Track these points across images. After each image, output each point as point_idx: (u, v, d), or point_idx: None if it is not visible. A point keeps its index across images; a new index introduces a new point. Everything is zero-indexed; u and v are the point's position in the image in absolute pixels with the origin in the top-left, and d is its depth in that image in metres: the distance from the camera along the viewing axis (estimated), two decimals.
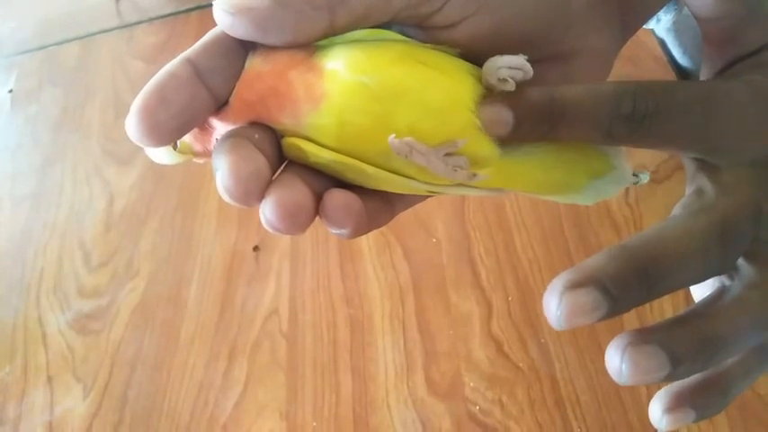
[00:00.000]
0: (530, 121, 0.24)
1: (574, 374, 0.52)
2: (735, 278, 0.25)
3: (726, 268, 0.24)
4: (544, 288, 0.57)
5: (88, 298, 0.70)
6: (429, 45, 0.26)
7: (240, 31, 0.23)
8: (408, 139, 0.23)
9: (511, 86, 0.24)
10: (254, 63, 0.24)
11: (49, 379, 0.65)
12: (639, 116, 0.23)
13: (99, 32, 1.02)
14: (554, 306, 0.22)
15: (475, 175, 0.24)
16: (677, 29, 0.52)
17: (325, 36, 0.24)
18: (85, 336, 0.67)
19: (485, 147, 0.24)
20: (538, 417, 0.51)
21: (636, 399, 0.50)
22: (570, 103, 0.23)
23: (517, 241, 0.61)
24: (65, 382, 0.64)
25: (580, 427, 0.50)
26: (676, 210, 0.26)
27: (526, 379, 0.53)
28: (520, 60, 0.24)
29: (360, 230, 0.24)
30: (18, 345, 0.68)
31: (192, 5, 0.97)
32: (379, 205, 0.26)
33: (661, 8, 0.34)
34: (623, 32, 0.30)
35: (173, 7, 1.00)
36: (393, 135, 0.23)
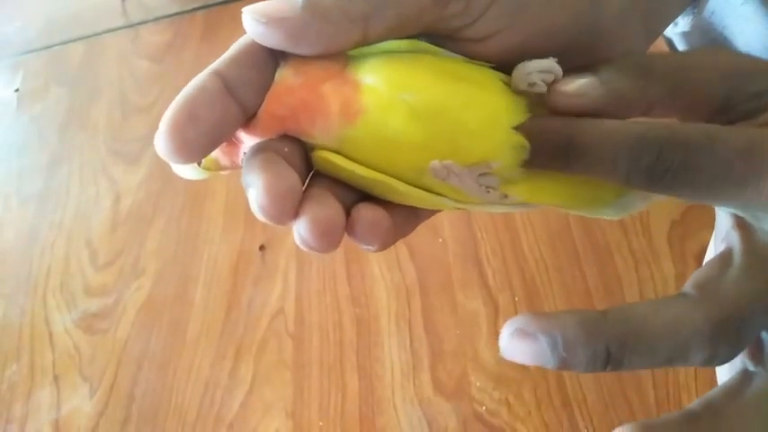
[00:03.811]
0: (545, 155, 0.23)
1: (580, 375, 0.52)
2: (761, 364, 0.24)
3: (719, 362, 0.22)
4: (551, 288, 0.57)
5: (94, 297, 0.70)
6: (461, 57, 0.25)
7: (271, 41, 0.22)
8: (448, 162, 0.23)
9: (542, 89, 0.24)
10: (285, 75, 0.23)
11: (56, 378, 0.65)
12: (662, 170, 0.21)
13: (105, 32, 1.02)
14: (504, 338, 0.22)
15: (506, 196, 0.24)
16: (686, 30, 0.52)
17: (356, 47, 0.23)
18: (92, 335, 0.67)
19: (516, 168, 0.24)
20: (545, 417, 0.51)
21: (643, 399, 0.50)
22: (588, 143, 0.22)
23: (524, 241, 0.60)
24: (71, 381, 0.64)
25: (587, 428, 0.49)
26: (690, 283, 0.23)
27: (533, 379, 0.53)
28: (549, 63, 0.23)
29: (387, 245, 0.24)
30: (25, 344, 0.69)
31: (197, 5, 0.97)
32: (406, 217, 0.26)
33: (680, 14, 0.33)
34: (646, 40, 0.29)
35: (178, 6, 1.00)
36: (436, 159, 0.23)
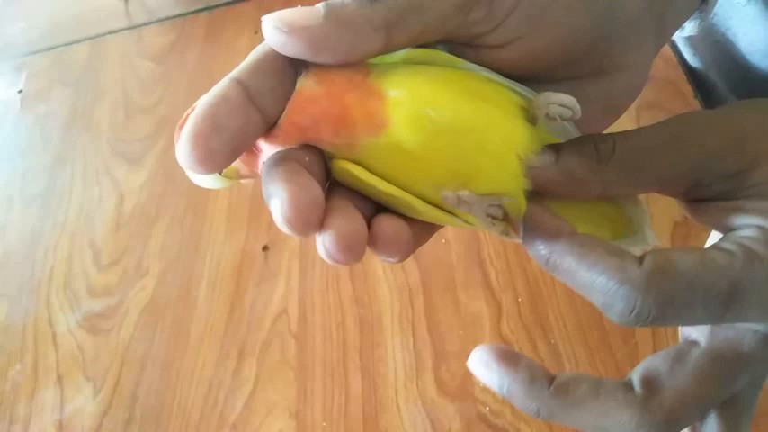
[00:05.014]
0: (531, 250, 0.25)
1: None
2: None
3: None
4: (554, 289, 0.57)
5: (98, 297, 0.70)
6: (478, 68, 0.25)
7: (293, 50, 0.22)
8: (462, 192, 0.23)
9: (558, 124, 0.24)
10: (307, 85, 0.23)
11: (59, 378, 0.65)
12: (634, 319, 0.22)
13: (108, 33, 1.02)
14: (473, 359, 0.27)
15: (508, 234, 0.24)
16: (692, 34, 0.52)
17: (378, 55, 0.23)
18: (95, 335, 0.67)
19: (524, 201, 0.24)
20: None
21: None
22: (566, 269, 0.23)
23: None
24: (75, 381, 0.64)
25: None
26: (637, 376, 0.25)
27: None
28: (571, 100, 0.24)
29: (407, 256, 0.24)
30: (28, 344, 0.69)
31: (200, 6, 0.97)
32: (423, 227, 0.26)
33: (688, 19, 0.34)
34: (656, 45, 0.29)
35: (181, 8, 1.00)
36: (446, 190, 0.23)
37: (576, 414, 0.24)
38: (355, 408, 0.55)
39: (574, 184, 0.24)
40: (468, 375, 0.54)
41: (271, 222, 0.69)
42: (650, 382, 0.24)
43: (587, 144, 0.24)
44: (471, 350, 0.55)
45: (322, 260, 0.68)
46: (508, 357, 0.25)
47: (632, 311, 0.21)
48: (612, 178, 0.24)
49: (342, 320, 0.60)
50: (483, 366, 0.26)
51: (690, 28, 0.34)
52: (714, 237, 0.27)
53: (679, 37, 0.56)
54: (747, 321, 0.23)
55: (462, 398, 0.53)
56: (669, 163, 0.24)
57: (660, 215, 0.59)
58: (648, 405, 0.23)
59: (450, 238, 0.63)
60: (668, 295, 0.21)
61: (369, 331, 0.59)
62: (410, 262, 0.62)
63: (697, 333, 0.25)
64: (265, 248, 0.68)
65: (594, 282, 0.22)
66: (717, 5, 0.34)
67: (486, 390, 0.53)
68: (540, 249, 0.24)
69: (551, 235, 0.24)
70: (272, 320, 0.62)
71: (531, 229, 0.24)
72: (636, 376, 0.25)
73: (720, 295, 0.21)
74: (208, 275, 0.68)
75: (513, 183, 0.24)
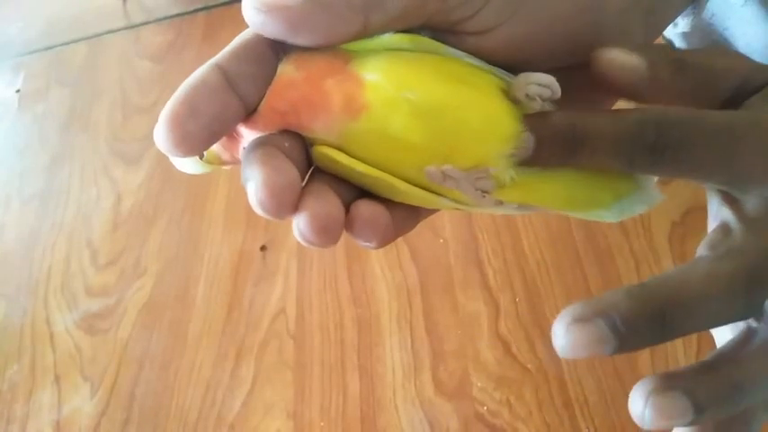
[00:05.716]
0: (550, 146, 0.23)
1: (582, 375, 0.52)
2: (762, 320, 0.24)
3: (751, 314, 0.23)
4: (552, 289, 0.57)
5: (95, 297, 0.70)
6: (462, 54, 0.25)
7: (271, 30, 0.22)
8: (446, 167, 0.23)
9: (538, 104, 0.24)
10: (287, 70, 0.23)
11: (57, 378, 0.65)
12: (662, 147, 0.22)
13: (106, 33, 1.02)
14: (560, 334, 0.21)
15: (501, 203, 0.24)
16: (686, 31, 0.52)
17: (357, 38, 0.23)
18: (93, 335, 0.67)
19: (511, 171, 0.24)
20: (546, 417, 0.51)
21: None
22: (592, 131, 0.23)
23: (525, 242, 0.60)
24: (72, 382, 0.64)
25: (588, 428, 0.49)
26: (701, 250, 0.24)
27: (534, 380, 0.53)
28: (549, 79, 0.24)
29: (386, 242, 0.24)
30: (26, 344, 0.69)
31: (198, 6, 0.97)
32: (405, 214, 0.26)
33: (680, 14, 0.34)
34: (645, 39, 0.29)
35: (179, 8, 1.00)
36: (434, 160, 0.23)
37: (692, 294, 0.22)
38: (353, 407, 0.55)
39: (656, 89, 0.24)
40: (465, 375, 0.54)
41: (269, 222, 0.69)
42: (719, 247, 0.24)
43: (664, 51, 0.25)
44: (469, 350, 0.55)
45: (320, 260, 0.69)
46: (591, 301, 0.22)
47: (657, 134, 0.22)
48: (685, 87, 0.25)
49: (340, 320, 0.60)
50: (580, 327, 0.21)
51: (683, 24, 0.34)
52: (710, 224, 0.27)
53: (675, 34, 0.56)
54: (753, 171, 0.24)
55: (460, 397, 0.53)
56: (720, 76, 0.25)
57: (658, 216, 0.59)
58: (736, 255, 0.23)
59: (447, 238, 0.63)
60: (681, 120, 0.23)
61: (367, 331, 0.59)
62: (408, 262, 0.62)
63: (721, 217, 0.25)
64: (263, 248, 0.68)
65: (620, 121, 0.23)
66: (714, 6, 0.34)
67: (483, 389, 0.53)
68: (563, 120, 0.24)
69: (564, 113, 0.24)
70: (270, 320, 0.62)
71: (544, 119, 0.24)
72: (703, 251, 0.24)
73: (723, 124, 0.23)
74: (206, 275, 0.68)
75: (498, 157, 0.24)
